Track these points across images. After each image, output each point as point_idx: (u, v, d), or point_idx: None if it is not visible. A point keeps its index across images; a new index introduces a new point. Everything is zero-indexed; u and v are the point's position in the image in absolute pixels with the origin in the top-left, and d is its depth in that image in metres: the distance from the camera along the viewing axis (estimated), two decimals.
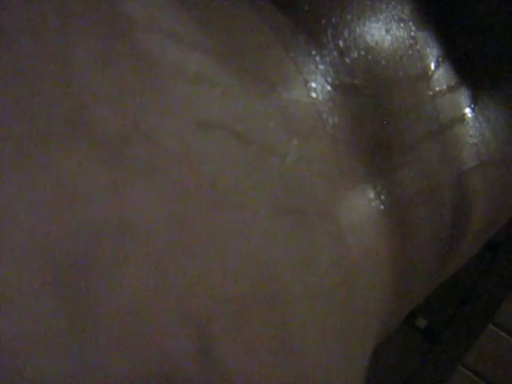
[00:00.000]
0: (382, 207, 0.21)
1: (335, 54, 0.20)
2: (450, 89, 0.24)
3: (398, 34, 0.22)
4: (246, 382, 0.14)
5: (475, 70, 0.25)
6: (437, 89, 0.23)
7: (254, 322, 0.14)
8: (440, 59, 0.24)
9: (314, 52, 0.20)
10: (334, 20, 0.20)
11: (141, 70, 0.15)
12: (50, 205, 0.12)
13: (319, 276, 0.17)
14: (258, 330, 0.15)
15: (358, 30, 0.21)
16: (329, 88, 0.20)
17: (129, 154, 0.14)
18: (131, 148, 0.14)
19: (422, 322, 0.98)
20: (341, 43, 0.20)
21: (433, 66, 0.23)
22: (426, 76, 0.23)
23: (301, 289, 0.16)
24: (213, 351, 0.13)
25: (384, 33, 0.21)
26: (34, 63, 0.13)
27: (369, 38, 0.21)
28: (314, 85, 0.20)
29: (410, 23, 0.22)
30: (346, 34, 0.21)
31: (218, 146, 0.15)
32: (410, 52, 0.22)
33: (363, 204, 0.21)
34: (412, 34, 0.22)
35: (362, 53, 0.21)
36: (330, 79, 0.20)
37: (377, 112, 0.21)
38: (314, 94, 0.19)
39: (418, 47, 0.23)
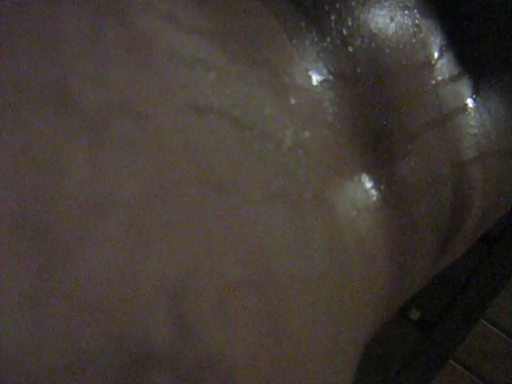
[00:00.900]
0: (380, 197, 0.21)
1: (338, 41, 0.20)
2: (453, 78, 0.24)
3: (402, 21, 0.22)
4: (225, 359, 0.14)
5: (477, 60, 0.25)
6: (439, 78, 0.23)
7: (239, 302, 0.14)
8: (443, 48, 0.24)
9: (316, 39, 0.20)
10: (337, 6, 0.20)
11: (133, 49, 0.14)
12: (20, 171, 0.12)
13: (311, 261, 0.17)
14: (244, 310, 0.14)
15: (362, 17, 0.21)
16: (330, 77, 0.20)
17: (111, 129, 0.13)
18: (115, 123, 0.13)
19: (415, 314, 0.98)
20: (344, 31, 0.20)
21: (436, 55, 0.23)
22: (429, 65, 0.23)
23: (292, 273, 0.16)
24: (188, 323, 0.13)
25: (388, 20, 0.21)
26: (19, 32, 0.13)
27: (373, 26, 0.21)
28: (315, 72, 0.19)
29: (415, 11, 0.22)
30: (349, 21, 0.20)
31: (211, 130, 0.15)
32: (414, 40, 0.22)
33: (360, 193, 0.20)
34: (416, 22, 0.22)
35: (366, 40, 0.21)
36: (331, 67, 0.20)
37: (378, 101, 0.21)
38: (314, 82, 0.19)
39: (421, 35, 0.22)
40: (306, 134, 0.18)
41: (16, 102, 0.12)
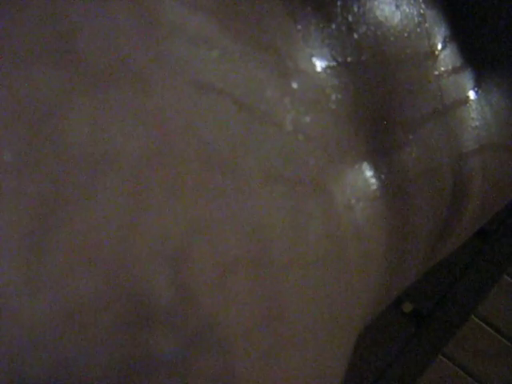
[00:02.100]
0: (380, 186, 0.21)
1: (343, 28, 0.20)
2: (455, 70, 0.24)
3: (407, 10, 0.22)
4: (224, 329, 0.14)
5: (480, 52, 0.25)
6: (442, 69, 0.23)
7: (237, 279, 0.14)
8: (447, 39, 0.24)
9: (321, 25, 0.20)
10: None
11: (137, 18, 0.14)
12: (21, 119, 0.12)
13: (309, 246, 0.17)
14: (241, 288, 0.15)
15: (368, 4, 0.20)
16: (334, 63, 0.20)
17: (115, 89, 0.13)
18: (118, 84, 0.13)
19: (408, 307, 0.99)
20: (350, 17, 0.20)
21: (440, 46, 0.23)
22: (432, 55, 0.23)
23: (289, 256, 0.16)
24: (189, 289, 0.13)
25: (394, 8, 0.21)
26: None
27: (378, 13, 0.21)
28: (319, 58, 0.19)
29: (420, 0, 0.22)
30: (355, 7, 0.20)
31: (212, 108, 0.15)
32: (419, 30, 0.22)
33: (361, 181, 0.20)
34: (421, 11, 0.22)
35: (371, 28, 0.21)
36: (336, 54, 0.20)
37: (381, 89, 0.21)
38: (318, 68, 0.19)
39: (426, 25, 0.22)
40: (307, 119, 0.18)
41: (20, 55, 0.12)
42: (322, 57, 0.19)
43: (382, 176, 0.21)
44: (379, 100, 0.21)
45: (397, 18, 0.21)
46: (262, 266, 0.15)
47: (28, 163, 0.12)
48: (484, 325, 1.05)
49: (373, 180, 0.21)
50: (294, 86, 0.18)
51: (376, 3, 0.21)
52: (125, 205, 0.13)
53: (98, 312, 0.12)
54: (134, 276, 0.13)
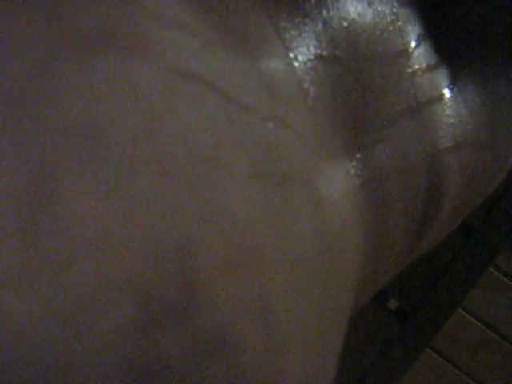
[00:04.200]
0: (358, 182, 0.21)
1: (318, 22, 0.20)
2: (429, 68, 0.24)
3: (380, 8, 0.22)
4: (231, 330, 0.14)
5: (455, 50, 0.25)
6: (416, 67, 0.23)
7: (229, 281, 0.14)
8: (421, 37, 0.24)
9: (297, 20, 0.20)
10: None
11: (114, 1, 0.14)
12: (5, 82, 0.11)
13: (297, 243, 0.17)
14: (234, 291, 0.14)
15: (341, 0, 0.21)
16: (310, 57, 0.20)
17: (103, 58, 0.13)
18: (106, 54, 0.13)
19: (393, 304, 0.99)
20: (324, 12, 0.20)
21: (413, 44, 0.23)
22: (405, 53, 0.23)
23: (278, 255, 0.16)
24: (194, 285, 0.13)
25: (366, 5, 0.21)
26: None
27: (351, 10, 0.21)
28: (295, 53, 0.19)
29: None
30: (329, 2, 0.20)
31: (195, 97, 0.15)
32: (391, 28, 0.22)
33: (341, 176, 0.21)
34: (394, 10, 0.22)
35: (345, 24, 0.21)
36: (312, 49, 0.20)
37: (356, 85, 0.21)
38: (295, 63, 0.19)
39: (399, 24, 0.23)
40: (289, 114, 0.18)
41: (16, 23, 0.12)
42: (297, 51, 0.19)
43: (359, 172, 0.21)
44: (354, 96, 0.21)
45: (369, 15, 0.21)
46: (251, 266, 0.15)
47: (16, 134, 0.11)
48: (470, 317, 1.05)
49: (352, 176, 0.21)
50: (273, 81, 0.18)
51: (349, 0, 0.21)
52: (120, 182, 0.12)
53: (102, 311, 0.11)
54: (139, 271, 0.12)
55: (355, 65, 0.21)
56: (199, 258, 0.13)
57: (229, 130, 0.15)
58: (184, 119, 0.14)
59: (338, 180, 0.20)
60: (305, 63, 0.20)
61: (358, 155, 0.21)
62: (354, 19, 0.21)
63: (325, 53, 0.20)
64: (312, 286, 0.18)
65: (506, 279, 1.05)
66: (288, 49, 0.19)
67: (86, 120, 0.12)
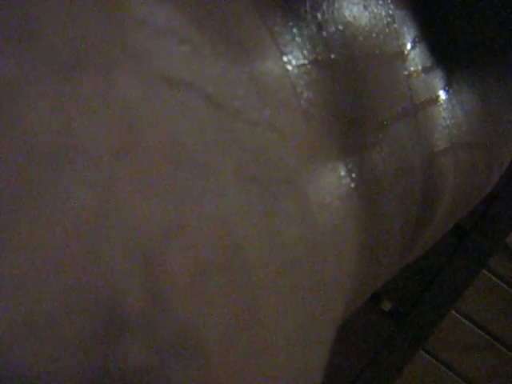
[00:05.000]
0: (352, 185, 0.21)
1: (313, 26, 0.20)
2: (425, 70, 0.24)
3: (376, 10, 0.22)
4: (198, 335, 0.14)
5: (450, 52, 0.25)
6: (412, 69, 0.23)
7: (210, 282, 0.14)
8: (416, 39, 0.24)
9: (291, 23, 0.20)
10: None
11: (104, 12, 0.14)
12: None
13: (284, 247, 0.17)
14: (215, 291, 0.14)
15: (336, 3, 0.21)
16: (305, 61, 0.20)
17: (80, 78, 0.13)
18: (84, 73, 0.13)
19: (387, 305, 0.99)
20: (319, 16, 0.20)
21: (409, 46, 0.23)
22: (401, 55, 0.23)
23: (265, 258, 0.16)
24: (161, 293, 0.13)
25: (362, 8, 0.21)
26: None
27: (347, 13, 0.21)
28: (289, 57, 0.19)
29: (389, 1, 0.22)
30: (324, 6, 0.20)
31: (183, 104, 0.15)
32: (387, 30, 0.22)
33: (333, 180, 0.20)
34: (390, 12, 0.22)
35: (340, 27, 0.21)
36: (306, 52, 0.20)
37: (351, 88, 0.21)
38: (289, 67, 0.19)
39: (395, 26, 0.23)
40: (280, 118, 0.18)
41: None
42: (292, 55, 0.19)
43: (354, 175, 0.21)
44: (349, 99, 0.21)
45: (365, 18, 0.21)
46: (236, 269, 0.15)
47: None
48: (464, 319, 1.06)
49: (345, 179, 0.21)
50: (265, 85, 0.18)
51: (345, 3, 0.21)
52: (92, 200, 0.12)
53: (63, 319, 0.11)
54: (103, 279, 0.12)
55: (350, 68, 0.21)
56: (166, 266, 0.13)
57: (216, 135, 0.15)
58: (169, 126, 0.14)
59: (330, 183, 0.20)
60: (299, 67, 0.19)
61: (353, 158, 0.21)
62: (349, 22, 0.21)
63: (319, 57, 0.20)
64: (299, 289, 0.18)
65: (499, 281, 1.05)
66: (282, 53, 0.19)
67: (60, 136, 0.12)
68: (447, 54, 0.25)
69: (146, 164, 0.13)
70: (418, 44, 0.24)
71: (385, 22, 0.22)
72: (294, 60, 0.19)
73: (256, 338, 0.15)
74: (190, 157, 0.14)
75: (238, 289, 0.15)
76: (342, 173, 0.21)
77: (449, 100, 0.25)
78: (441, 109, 0.25)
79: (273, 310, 0.16)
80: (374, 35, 0.22)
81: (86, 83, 0.13)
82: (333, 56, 0.20)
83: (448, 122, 0.25)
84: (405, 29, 0.23)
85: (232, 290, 0.15)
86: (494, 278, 1.05)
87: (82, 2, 0.14)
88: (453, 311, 1.04)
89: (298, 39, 0.20)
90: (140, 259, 0.13)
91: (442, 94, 0.25)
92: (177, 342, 0.13)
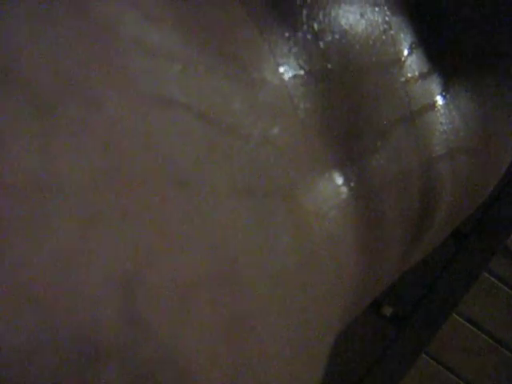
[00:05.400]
0: (350, 194, 0.21)
1: (309, 37, 0.20)
2: (422, 76, 0.24)
3: (372, 18, 0.22)
4: (179, 357, 0.13)
5: (447, 57, 0.25)
6: (409, 75, 0.23)
7: (200, 299, 0.14)
8: (413, 46, 0.24)
9: (287, 34, 0.20)
10: (309, 1, 0.20)
11: (89, 35, 0.14)
12: None
13: (278, 258, 0.17)
14: (205, 308, 0.14)
15: (333, 12, 0.21)
16: (301, 72, 0.20)
17: (61, 112, 0.13)
18: (65, 106, 0.13)
19: (388, 310, 0.99)
20: (315, 25, 0.20)
21: (406, 52, 0.23)
22: (398, 62, 0.23)
23: (258, 270, 0.16)
24: (140, 317, 0.13)
25: (358, 17, 0.21)
26: None
27: (343, 22, 0.21)
28: (286, 68, 0.19)
29: (385, 8, 0.22)
30: (320, 16, 0.20)
31: (175, 123, 0.15)
32: (384, 37, 0.22)
33: (331, 190, 0.20)
34: (386, 18, 0.22)
35: (337, 36, 0.21)
36: (302, 63, 0.20)
37: (349, 97, 0.21)
38: (286, 77, 0.19)
39: (391, 32, 0.23)
40: (275, 130, 0.18)
41: None
42: (288, 66, 0.19)
43: (352, 184, 0.21)
44: (347, 108, 0.21)
45: (361, 26, 0.21)
46: (228, 283, 0.15)
47: None
48: (466, 323, 1.06)
49: (343, 188, 0.21)
50: (261, 97, 0.18)
51: (341, 12, 0.21)
52: (70, 233, 0.12)
53: (40, 349, 0.11)
54: (79, 311, 0.12)
55: (348, 77, 0.21)
56: (146, 290, 0.13)
57: (208, 152, 0.15)
58: (158, 146, 0.14)
59: (327, 193, 0.20)
60: (296, 78, 0.19)
61: (352, 167, 0.21)
62: (346, 31, 0.21)
63: (316, 67, 0.20)
64: (294, 300, 0.18)
65: (500, 284, 1.05)
66: (279, 64, 0.19)
67: (40, 173, 0.12)
68: (444, 59, 0.25)
69: (132, 186, 0.13)
70: (414, 50, 0.24)
71: (381, 29, 0.22)
72: (290, 71, 0.19)
73: (248, 351, 0.15)
74: (181, 175, 0.14)
75: (230, 302, 0.15)
76: (340, 182, 0.21)
77: (446, 105, 0.26)
78: (438, 114, 0.25)
79: (266, 323, 0.16)
80: (370, 43, 0.22)
81: (68, 118, 0.13)
82: (329, 66, 0.20)
83: (445, 128, 0.25)
84: (401, 35, 0.23)
85: (222, 305, 0.15)
86: (495, 281, 1.05)
87: (66, 28, 0.14)
88: (454, 314, 1.04)
89: (294, 50, 0.20)
90: (118, 285, 0.12)
91: (440, 100, 0.25)
92: (158, 368, 0.13)
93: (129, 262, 0.13)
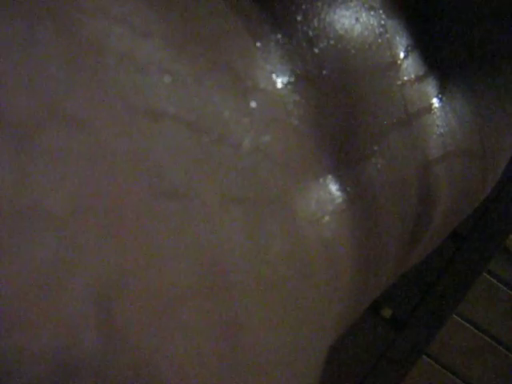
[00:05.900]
0: (346, 199, 0.21)
1: (304, 43, 0.20)
2: (418, 79, 0.24)
3: (367, 22, 0.22)
4: (157, 370, 0.13)
5: (443, 60, 0.25)
6: (405, 78, 0.23)
7: (188, 309, 0.14)
8: (409, 48, 0.24)
9: (281, 41, 0.19)
10: (303, 7, 0.20)
11: (74, 54, 0.14)
12: None
13: (271, 266, 0.17)
14: (194, 319, 0.14)
15: (327, 18, 0.20)
16: (295, 79, 0.20)
17: (41, 138, 0.13)
18: (45, 132, 0.13)
19: (387, 312, 0.99)
20: (310, 32, 0.20)
21: (402, 56, 0.23)
22: (394, 65, 0.23)
23: (250, 278, 0.16)
24: (117, 331, 0.13)
25: (354, 21, 0.21)
26: None
27: (338, 27, 0.21)
28: (279, 75, 0.19)
29: (380, 11, 0.22)
30: (315, 22, 0.20)
31: (165, 135, 0.15)
32: (380, 41, 0.22)
33: (326, 195, 0.20)
34: (382, 22, 0.22)
35: (332, 42, 0.20)
36: (297, 69, 0.20)
37: (344, 102, 0.21)
38: (279, 85, 0.19)
39: (387, 36, 0.22)
40: (267, 137, 0.18)
41: None
42: (282, 73, 0.19)
43: (348, 188, 0.21)
44: (342, 113, 0.21)
45: (357, 30, 0.21)
46: (218, 293, 0.15)
47: None
48: (466, 323, 1.05)
49: (338, 193, 0.21)
50: (253, 104, 0.18)
51: (336, 17, 0.21)
52: (51, 255, 0.12)
53: (20, 367, 0.11)
54: (60, 325, 0.12)
55: (343, 82, 0.21)
56: (123, 305, 0.13)
57: (199, 161, 0.15)
58: (147, 159, 0.14)
59: (321, 199, 0.20)
60: (289, 84, 0.19)
61: (348, 172, 0.21)
62: (341, 36, 0.21)
63: (311, 73, 0.20)
64: (286, 309, 0.17)
65: (500, 284, 1.05)
66: (272, 71, 0.19)
67: (19, 200, 0.12)
68: (440, 61, 0.25)
69: (117, 201, 0.13)
70: (410, 53, 0.24)
71: (377, 32, 0.22)
72: (284, 78, 0.19)
73: (240, 362, 0.15)
74: (169, 187, 0.14)
75: (219, 311, 0.15)
76: (335, 187, 0.21)
77: (442, 108, 0.25)
78: (435, 117, 0.25)
79: (259, 334, 0.16)
80: (366, 47, 0.21)
81: (49, 140, 0.13)
82: (324, 72, 0.20)
83: (442, 130, 0.25)
84: (397, 38, 0.23)
85: (212, 315, 0.15)
86: (495, 281, 1.05)
87: (52, 48, 0.13)
88: (454, 315, 1.03)
89: (288, 57, 0.19)
90: (96, 301, 0.13)
91: (436, 102, 0.25)
92: (134, 377, 0.13)
93: (108, 277, 0.13)
